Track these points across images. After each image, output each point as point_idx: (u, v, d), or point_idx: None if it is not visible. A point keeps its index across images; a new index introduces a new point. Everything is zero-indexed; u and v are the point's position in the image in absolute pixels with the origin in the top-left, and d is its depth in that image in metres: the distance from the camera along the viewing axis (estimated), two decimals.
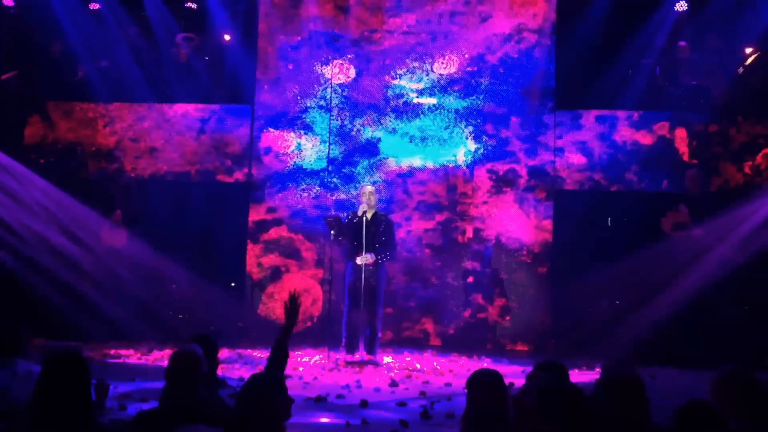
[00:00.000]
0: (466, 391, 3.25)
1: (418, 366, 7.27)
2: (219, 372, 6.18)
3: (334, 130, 8.89)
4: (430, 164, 8.81)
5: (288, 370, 6.80)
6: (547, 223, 8.64)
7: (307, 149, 8.92)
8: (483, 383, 3.24)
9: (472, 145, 8.79)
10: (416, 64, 8.88)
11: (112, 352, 7.48)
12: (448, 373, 6.96)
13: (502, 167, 8.75)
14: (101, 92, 8.95)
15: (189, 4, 9.05)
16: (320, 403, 5.56)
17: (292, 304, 4.00)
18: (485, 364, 7.26)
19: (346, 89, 8.94)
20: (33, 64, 9.03)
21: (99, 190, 8.70)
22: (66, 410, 3.08)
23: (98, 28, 8.94)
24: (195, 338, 3.77)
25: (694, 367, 6.61)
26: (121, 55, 8.97)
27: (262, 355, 7.62)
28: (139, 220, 8.50)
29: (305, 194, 8.87)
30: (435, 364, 7.38)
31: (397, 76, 8.89)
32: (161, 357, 7.04)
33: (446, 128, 8.83)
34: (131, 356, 7.38)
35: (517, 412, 3.06)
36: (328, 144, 8.89)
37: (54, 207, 8.38)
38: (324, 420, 5.12)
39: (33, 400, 3.18)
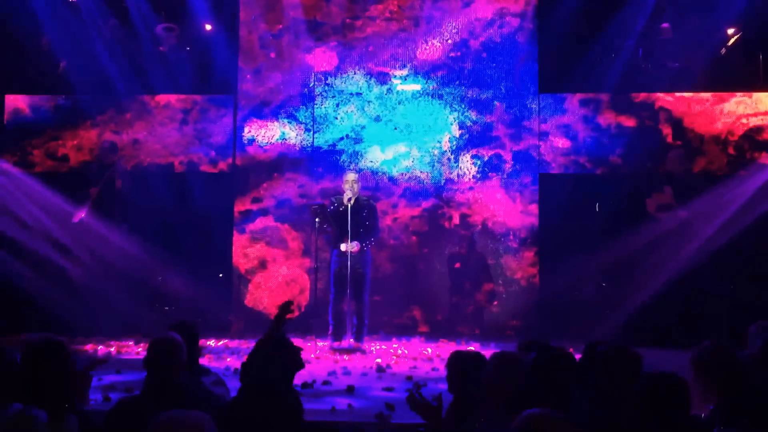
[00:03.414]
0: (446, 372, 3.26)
1: (405, 352, 7.28)
2: (205, 362, 6.19)
3: (318, 118, 8.86)
4: (415, 151, 8.80)
5: None
6: (533, 208, 8.65)
7: (291, 138, 8.89)
8: (462, 365, 3.26)
9: (456, 131, 8.78)
10: (399, 50, 8.85)
11: (98, 345, 7.44)
12: (436, 357, 6.97)
13: (487, 152, 8.75)
14: (82, 84, 8.86)
15: None
16: (306, 389, 5.55)
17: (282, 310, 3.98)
18: (473, 349, 7.27)
19: (329, 77, 8.90)
20: (11, 57, 8.93)
21: (82, 183, 8.61)
22: (46, 397, 3.07)
23: (77, 20, 8.84)
24: (174, 326, 3.76)
25: (680, 347, 6.62)
26: (101, 46, 8.88)
27: (249, 345, 7.61)
28: (123, 212, 8.44)
29: (290, 183, 8.84)
30: (428, 350, 7.38)
31: (381, 62, 8.85)
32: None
33: (430, 114, 8.80)
34: (117, 349, 7.34)
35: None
36: (312, 132, 8.86)
37: (35, 199, 8.33)
38: (310, 405, 5.11)
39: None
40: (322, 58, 8.91)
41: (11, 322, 7.60)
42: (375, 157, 8.80)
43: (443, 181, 8.75)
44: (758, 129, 8.48)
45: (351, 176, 7.31)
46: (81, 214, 8.20)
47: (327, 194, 8.48)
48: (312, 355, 6.81)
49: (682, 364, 3.38)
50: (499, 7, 8.78)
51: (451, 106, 8.79)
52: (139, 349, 7.24)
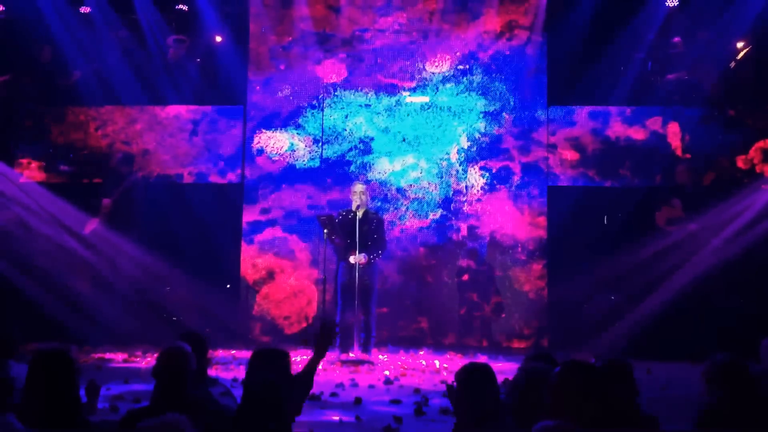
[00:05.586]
0: (455, 385, 3.25)
1: (413, 363, 7.25)
2: (213, 372, 6.18)
3: (327, 129, 8.88)
4: (423, 163, 8.80)
5: None
6: (542, 220, 8.63)
7: (300, 149, 8.91)
8: (471, 377, 3.24)
9: (465, 143, 8.78)
10: (408, 62, 8.87)
11: (106, 355, 7.45)
12: (444, 370, 6.95)
13: (495, 164, 8.74)
14: (93, 95, 8.93)
15: (179, 6, 9.01)
16: (314, 401, 5.52)
17: (326, 333, 3.87)
18: (485, 357, 7.24)
19: (338, 89, 8.93)
20: (24, 69, 9.00)
21: (93, 194, 8.65)
22: (54, 408, 3.08)
23: (89, 31, 8.91)
24: (184, 336, 3.75)
25: (690, 360, 6.58)
26: (112, 58, 8.95)
27: None
28: (132, 223, 8.46)
29: (299, 194, 8.86)
30: (435, 362, 7.35)
31: (389, 74, 8.88)
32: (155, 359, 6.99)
33: (439, 126, 8.81)
34: (125, 359, 7.34)
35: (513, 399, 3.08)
36: (320, 144, 8.88)
37: (47, 210, 8.37)
38: (317, 418, 5.09)
39: (22, 398, 3.17)
40: (331, 70, 8.94)
41: (20, 332, 7.61)
42: (383, 168, 8.81)
43: (451, 193, 8.75)
44: None
45: (359, 187, 7.32)
46: (92, 225, 8.24)
47: (335, 205, 8.48)
48: (319, 367, 6.77)
49: (692, 377, 3.36)
50: (508, 19, 8.80)
51: (459, 118, 8.80)
52: (148, 359, 7.24)
